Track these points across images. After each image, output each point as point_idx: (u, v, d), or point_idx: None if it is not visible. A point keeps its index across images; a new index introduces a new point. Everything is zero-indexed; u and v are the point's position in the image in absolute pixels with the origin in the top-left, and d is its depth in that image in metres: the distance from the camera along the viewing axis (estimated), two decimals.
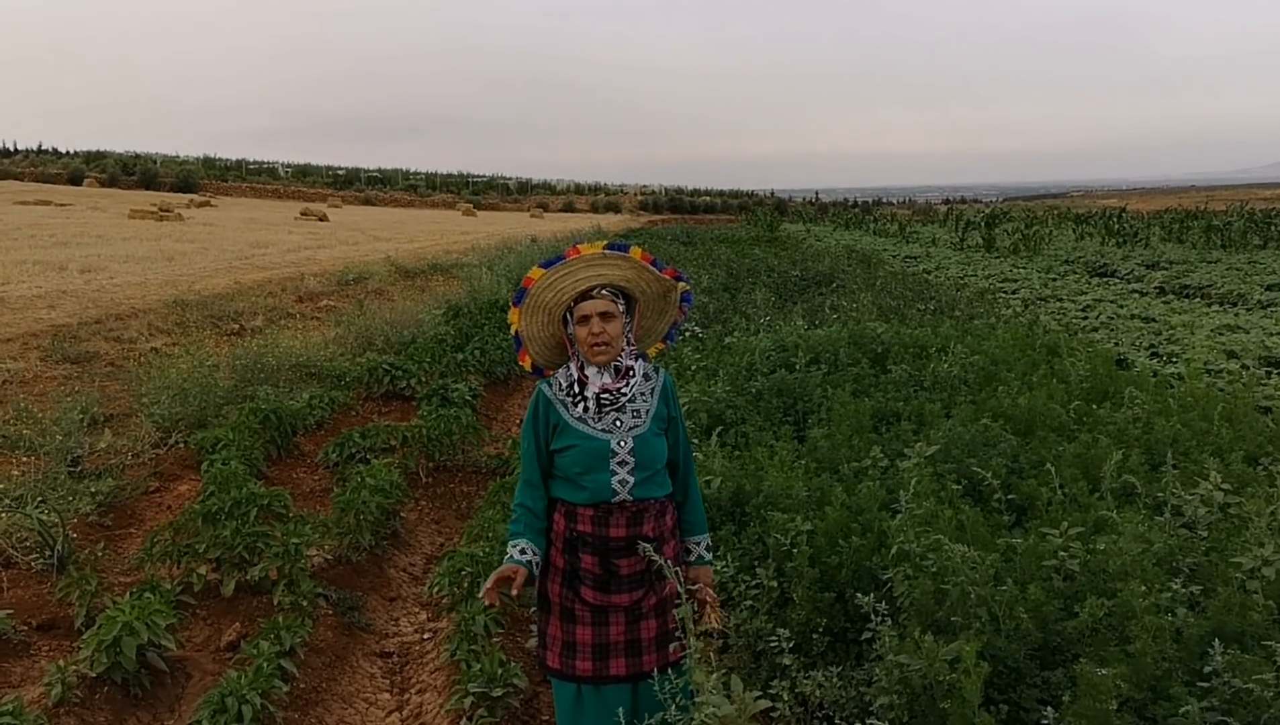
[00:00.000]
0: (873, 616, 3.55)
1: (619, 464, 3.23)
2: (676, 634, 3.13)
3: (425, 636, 5.05)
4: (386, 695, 4.52)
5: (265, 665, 3.96)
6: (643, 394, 3.33)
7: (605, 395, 3.25)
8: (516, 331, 3.40)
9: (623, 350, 3.30)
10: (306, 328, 14.12)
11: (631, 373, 3.31)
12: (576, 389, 3.28)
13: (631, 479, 3.23)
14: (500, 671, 4.03)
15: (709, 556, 3.56)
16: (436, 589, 5.01)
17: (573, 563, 3.29)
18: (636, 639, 3.33)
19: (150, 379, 8.70)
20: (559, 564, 3.31)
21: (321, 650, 4.58)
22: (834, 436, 5.93)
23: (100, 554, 5.44)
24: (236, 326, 14.65)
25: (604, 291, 3.24)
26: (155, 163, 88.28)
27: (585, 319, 3.22)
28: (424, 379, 9.68)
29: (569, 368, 3.33)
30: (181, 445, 7.61)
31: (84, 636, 4.12)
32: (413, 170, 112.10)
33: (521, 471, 3.36)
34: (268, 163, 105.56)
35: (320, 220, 48.11)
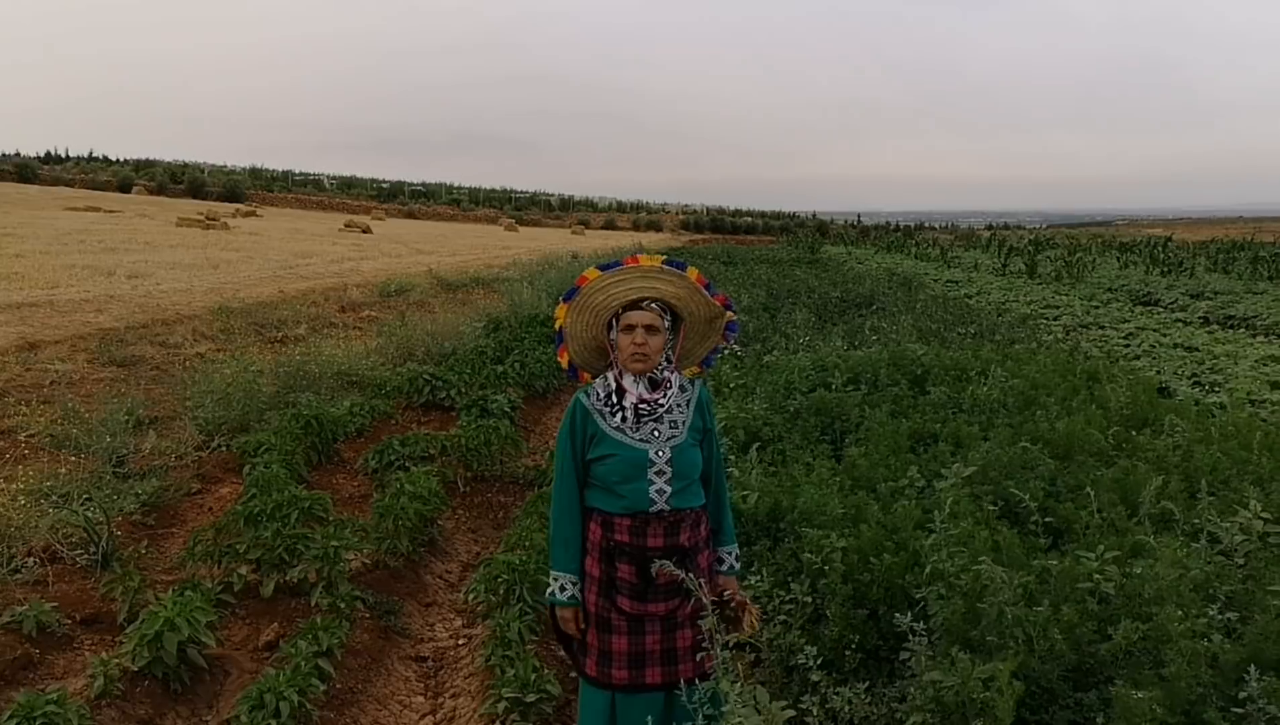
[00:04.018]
0: (910, 635, 3.55)
1: (656, 474, 3.26)
2: (704, 644, 3.16)
3: (460, 642, 5.10)
4: (420, 699, 4.57)
5: (303, 664, 4.03)
6: (679, 405, 3.36)
7: (643, 405, 3.28)
8: (560, 327, 3.44)
9: (660, 365, 3.33)
10: (348, 337, 14.29)
11: (668, 384, 3.34)
12: (614, 399, 3.31)
13: (669, 489, 3.26)
14: (534, 678, 4.07)
15: (739, 566, 3.61)
16: (473, 596, 5.06)
17: (609, 572, 3.32)
18: (672, 648, 3.36)
19: (194, 383, 8.85)
20: (595, 574, 3.34)
21: (358, 652, 4.64)
22: (871, 455, 5.93)
23: (144, 552, 5.54)
24: (280, 334, 14.82)
25: (653, 305, 3.28)
26: (203, 172, 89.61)
27: (630, 328, 3.26)
28: (463, 390, 9.76)
29: (606, 377, 3.37)
30: (224, 449, 7.73)
31: (126, 631, 4.21)
32: (456, 185, 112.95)
33: (556, 487, 3.39)
34: (313, 174, 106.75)
35: (364, 232, 48.57)
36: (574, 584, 3.33)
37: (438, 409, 9.68)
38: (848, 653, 4.28)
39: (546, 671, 4.19)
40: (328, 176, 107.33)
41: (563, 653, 4.73)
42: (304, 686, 3.89)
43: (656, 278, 3.31)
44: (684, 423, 3.34)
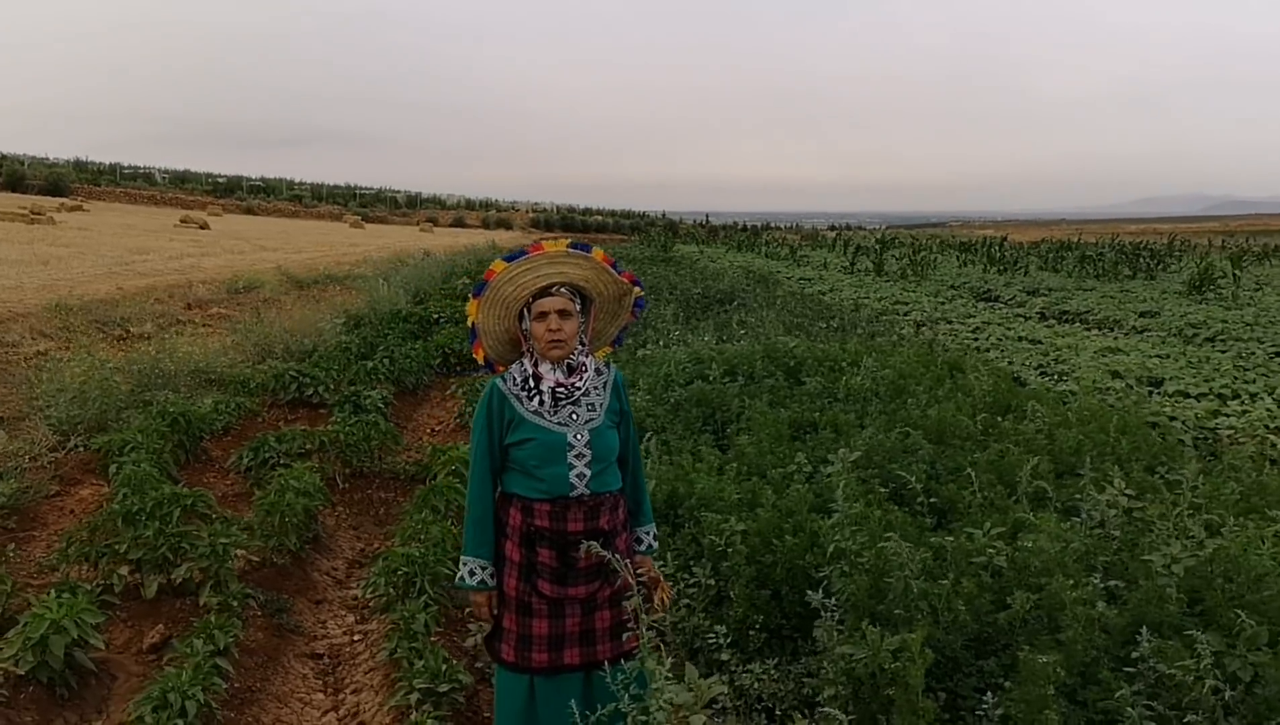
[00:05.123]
0: (823, 611, 3.65)
1: (576, 457, 3.27)
2: (630, 625, 3.18)
3: (355, 639, 4.98)
4: (321, 695, 4.45)
5: (203, 663, 3.87)
6: (596, 388, 3.38)
7: (560, 389, 3.29)
8: (473, 323, 3.41)
9: (576, 349, 3.34)
10: (199, 335, 13.74)
11: (584, 368, 3.36)
12: (532, 383, 3.30)
13: (589, 472, 3.27)
14: (444, 668, 4.02)
15: (656, 545, 3.66)
16: (372, 590, 4.95)
17: (529, 557, 3.31)
18: (591, 629, 3.37)
19: (43, 382, 8.37)
20: (515, 558, 3.33)
21: (253, 651, 4.49)
22: (759, 443, 6.07)
23: (11, 554, 5.23)
24: (123, 332, 14.15)
25: (563, 290, 3.28)
26: (23, 165, 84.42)
27: (543, 315, 3.26)
28: (333, 387, 9.53)
29: (522, 363, 3.36)
30: (82, 449, 7.34)
31: (8, 635, 3.97)
32: (297, 180, 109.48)
33: (471, 472, 3.37)
34: (144, 168, 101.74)
35: (201, 228, 46.70)
36: (484, 568, 3.30)
37: (305, 406, 9.41)
38: (752, 632, 4.38)
39: (456, 662, 4.14)
40: (159, 170, 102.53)
41: (467, 643, 4.70)
42: (206, 685, 3.75)
43: (564, 262, 3.31)
44: (601, 405, 3.35)
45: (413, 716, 3.85)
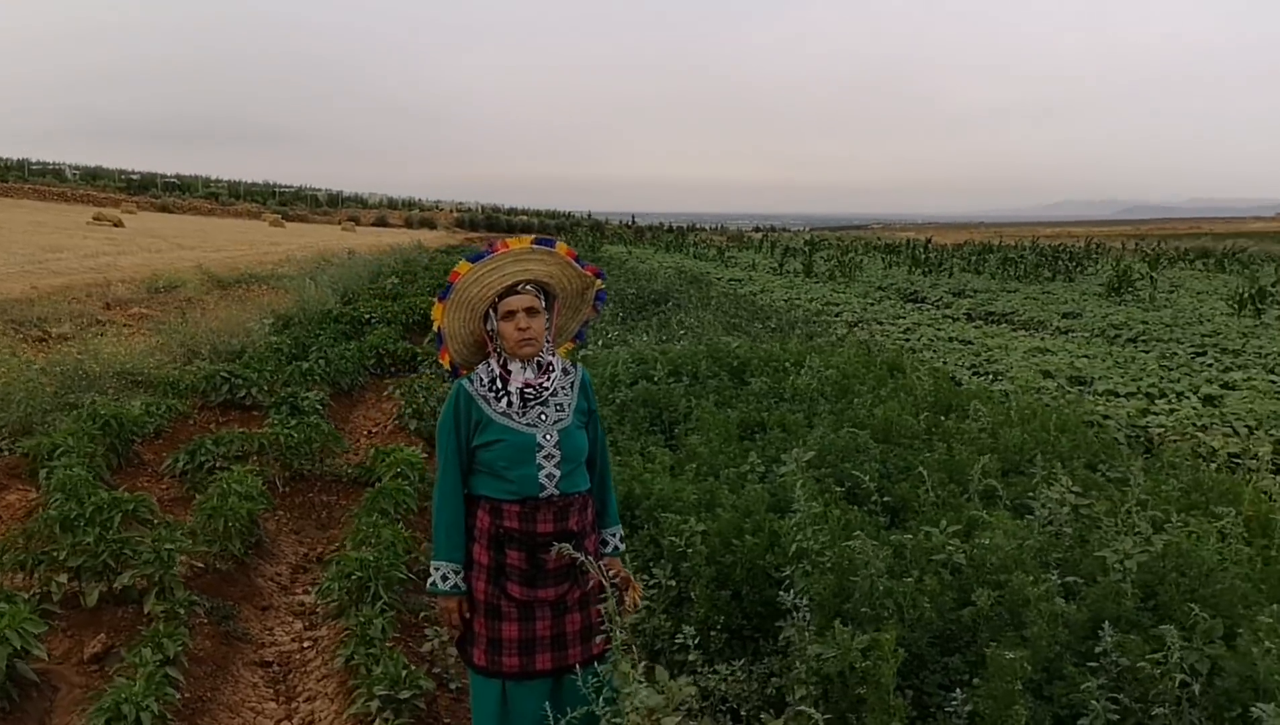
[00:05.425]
0: (793, 611, 3.65)
1: (545, 458, 3.23)
2: (602, 627, 3.15)
3: (305, 645, 4.87)
4: (273, 704, 4.34)
5: (155, 673, 3.74)
6: (563, 388, 3.34)
7: (528, 390, 3.24)
8: (439, 328, 3.35)
9: (543, 347, 3.30)
10: (122, 335, 13.35)
11: (552, 368, 3.32)
12: (499, 384, 3.25)
13: (558, 473, 3.23)
14: (404, 674, 3.94)
15: (623, 547, 3.63)
16: (326, 595, 4.83)
17: (499, 559, 3.25)
18: (561, 633, 3.33)
19: None
20: (483, 561, 3.27)
21: (202, 660, 4.35)
22: (711, 443, 6.06)
23: None
24: (41, 333, 13.71)
25: (528, 287, 3.24)
26: None
27: (511, 314, 3.21)
28: (267, 388, 9.33)
29: (489, 364, 3.31)
30: (7, 453, 7.08)
31: None
32: (214, 177, 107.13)
33: (439, 475, 3.30)
34: (52, 164, 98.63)
35: (116, 226, 45.49)
36: (455, 573, 3.25)
37: (238, 408, 9.19)
38: (713, 633, 4.37)
39: (415, 668, 4.06)
40: (69, 166, 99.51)
41: (424, 648, 4.62)
42: (159, 695, 3.62)
43: (528, 259, 3.27)
44: (569, 406, 3.32)
45: (375, 724, 3.77)
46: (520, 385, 3.24)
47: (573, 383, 3.38)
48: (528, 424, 3.22)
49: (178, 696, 3.82)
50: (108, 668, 4.29)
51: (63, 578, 4.67)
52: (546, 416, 3.25)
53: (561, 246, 3.35)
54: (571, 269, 3.35)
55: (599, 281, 3.48)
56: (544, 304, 3.30)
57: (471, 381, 3.29)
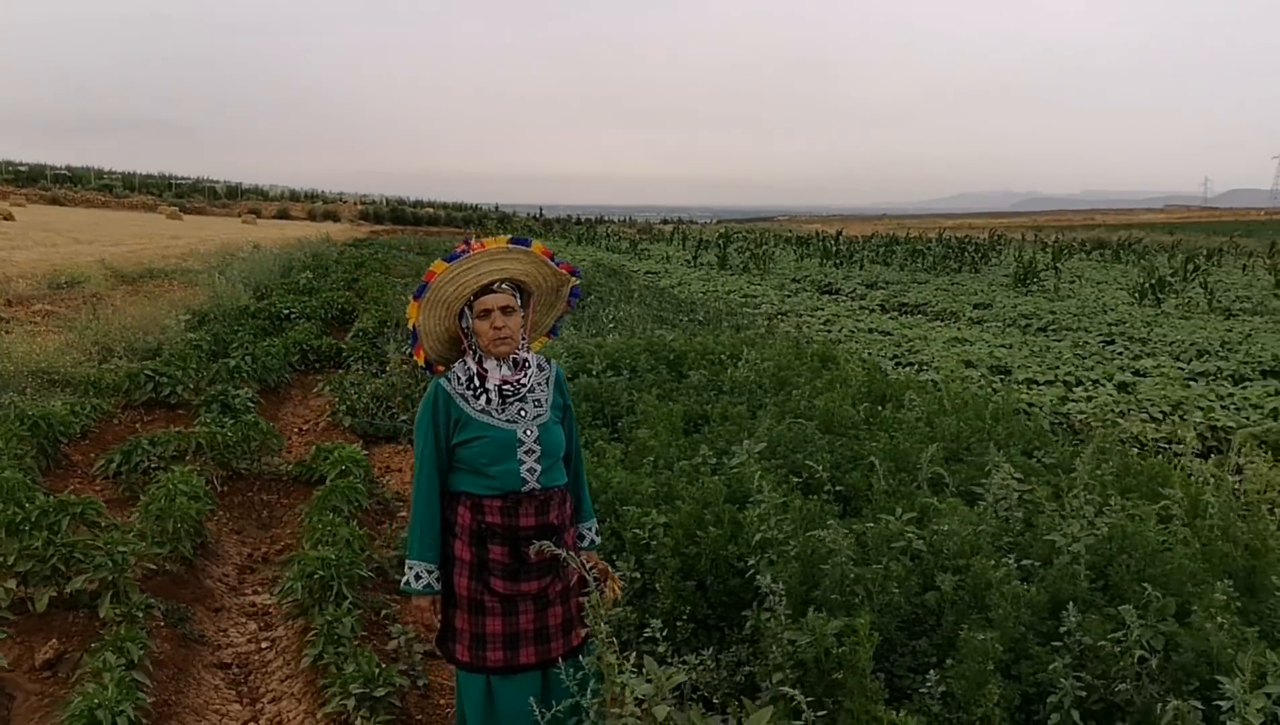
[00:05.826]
0: (770, 597, 3.72)
1: (526, 453, 3.25)
2: (585, 619, 3.18)
3: (263, 646, 4.80)
4: (237, 706, 4.27)
5: (124, 678, 3.66)
6: (540, 384, 3.37)
7: (507, 387, 3.26)
8: (414, 326, 3.34)
9: (519, 345, 3.33)
10: (29, 333, 12.89)
11: (528, 364, 3.34)
12: (477, 382, 3.27)
13: (539, 468, 3.26)
14: (378, 672, 3.92)
15: (599, 540, 3.68)
16: (287, 594, 4.76)
17: (481, 554, 3.26)
18: (544, 626, 3.35)
19: None
20: (465, 557, 3.28)
21: (163, 663, 4.26)
22: (661, 436, 6.12)
23: None
24: None
25: (504, 286, 3.26)
26: None
27: (487, 313, 3.22)
28: (193, 386, 9.11)
29: (465, 362, 3.31)
30: None
31: None
32: (107, 169, 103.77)
33: (416, 474, 3.30)
34: None
35: (5, 219, 43.84)
36: (430, 573, 3.26)
37: (163, 407, 8.97)
38: (679, 623, 4.43)
39: (388, 666, 4.04)
40: None
41: (389, 646, 4.59)
42: (132, 699, 3.55)
43: (504, 258, 3.29)
44: (546, 401, 3.35)
45: (354, 722, 3.74)
46: (498, 382, 3.25)
47: (548, 378, 3.41)
48: (508, 420, 3.24)
49: (148, 700, 3.75)
50: (60, 674, 4.18)
51: (10, 583, 4.53)
52: (526, 412, 3.27)
53: (537, 246, 3.37)
54: (547, 267, 3.38)
55: (574, 278, 3.51)
56: (519, 301, 3.32)
57: (449, 380, 3.29)
